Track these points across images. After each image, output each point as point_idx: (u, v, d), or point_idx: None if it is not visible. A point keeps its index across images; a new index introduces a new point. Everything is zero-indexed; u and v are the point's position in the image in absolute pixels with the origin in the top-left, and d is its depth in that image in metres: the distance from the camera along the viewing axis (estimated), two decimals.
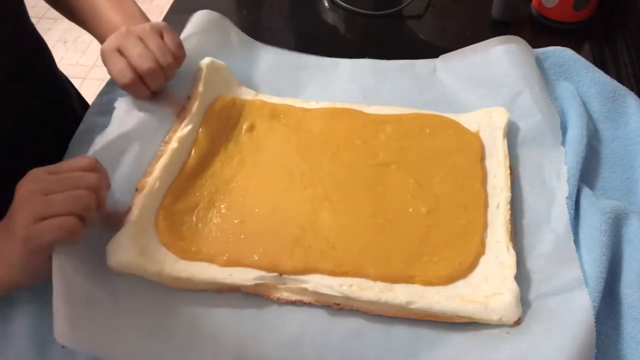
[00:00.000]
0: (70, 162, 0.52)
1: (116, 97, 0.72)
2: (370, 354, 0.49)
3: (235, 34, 0.75)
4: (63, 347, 0.51)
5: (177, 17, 0.81)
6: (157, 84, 0.62)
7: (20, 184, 0.49)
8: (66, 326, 0.45)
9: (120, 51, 0.60)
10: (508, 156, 0.60)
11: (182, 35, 0.70)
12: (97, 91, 0.73)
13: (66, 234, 0.47)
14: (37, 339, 0.52)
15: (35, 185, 0.48)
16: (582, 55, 0.70)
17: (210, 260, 0.53)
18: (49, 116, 0.72)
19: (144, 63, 0.59)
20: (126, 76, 0.60)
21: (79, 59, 2.12)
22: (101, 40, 0.65)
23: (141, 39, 0.60)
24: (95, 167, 0.51)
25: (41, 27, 0.73)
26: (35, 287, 0.52)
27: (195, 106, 0.64)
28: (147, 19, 0.67)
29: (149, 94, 0.63)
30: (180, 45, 0.63)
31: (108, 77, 0.75)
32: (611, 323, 0.50)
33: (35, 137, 0.69)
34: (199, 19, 0.74)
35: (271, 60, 0.74)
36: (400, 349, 0.49)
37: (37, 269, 0.48)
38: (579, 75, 0.68)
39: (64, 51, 2.16)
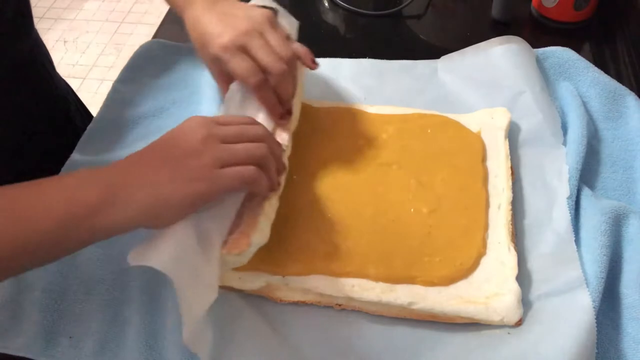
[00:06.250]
0: (236, 117, 0.51)
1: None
2: (372, 354, 0.49)
3: None
4: (70, 337, 0.51)
5: (176, 17, 0.81)
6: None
7: (190, 125, 0.47)
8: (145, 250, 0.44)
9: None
10: (509, 156, 0.60)
11: None
12: (97, 91, 0.74)
13: (248, 181, 0.47)
14: (45, 327, 0.52)
15: (211, 131, 0.47)
16: (582, 55, 0.70)
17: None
18: (46, 121, 0.72)
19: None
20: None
21: (79, 59, 2.11)
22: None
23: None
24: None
25: (41, 27, 0.73)
26: (48, 277, 0.54)
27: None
28: None
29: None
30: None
31: (107, 76, 0.75)
32: (611, 323, 0.50)
33: (31, 142, 0.69)
34: None
35: None
36: (402, 349, 0.49)
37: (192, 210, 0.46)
38: (579, 75, 0.68)
39: (64, 51, 2.15)
